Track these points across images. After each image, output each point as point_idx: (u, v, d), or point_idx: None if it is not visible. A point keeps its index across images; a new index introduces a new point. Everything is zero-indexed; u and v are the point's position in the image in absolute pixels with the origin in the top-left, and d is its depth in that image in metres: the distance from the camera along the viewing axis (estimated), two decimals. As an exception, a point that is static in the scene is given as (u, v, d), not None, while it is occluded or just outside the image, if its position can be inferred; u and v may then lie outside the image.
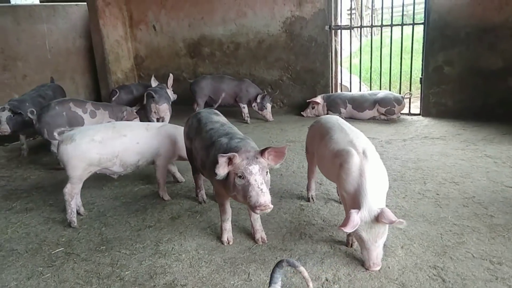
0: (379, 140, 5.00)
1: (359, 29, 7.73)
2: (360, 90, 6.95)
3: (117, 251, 2.88)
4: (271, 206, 2.35)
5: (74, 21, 8.17)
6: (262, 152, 2.44)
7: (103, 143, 3.33)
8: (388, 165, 4.12)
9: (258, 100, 6.09)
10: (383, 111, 5.93)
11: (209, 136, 2.81)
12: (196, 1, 7.30)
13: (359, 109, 6.08)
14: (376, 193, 2.38)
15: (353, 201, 2.41)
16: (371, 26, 6.88)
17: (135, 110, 5.08)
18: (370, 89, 6.80)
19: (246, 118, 6.26)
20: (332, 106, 6.23)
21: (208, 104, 6.41)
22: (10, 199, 3.96)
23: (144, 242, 2.98)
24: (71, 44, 8.16)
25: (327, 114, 6.25)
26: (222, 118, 3.12)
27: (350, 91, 6.84)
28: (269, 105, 6.16)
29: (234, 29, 7.10)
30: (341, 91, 6.82)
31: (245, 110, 6.24)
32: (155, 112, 5.32)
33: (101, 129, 3.49)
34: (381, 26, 6.58)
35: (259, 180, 2.36)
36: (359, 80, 7.31)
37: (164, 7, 7.67)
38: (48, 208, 3.69)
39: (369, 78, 6.78)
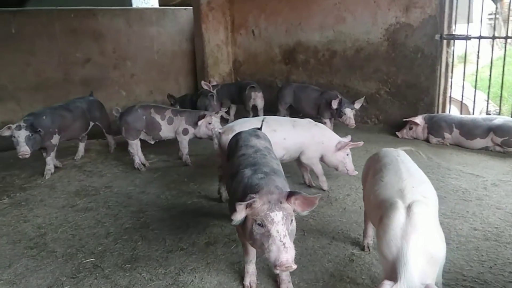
0: (483, 179, 4.06)
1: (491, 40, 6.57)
2: (487, 109, 5.92)
3: (138, 273, 2.74)
4: (294, 266, 1.93)
5: (182, 25, 8.54)
6: (288, 196, 2.02)
7: None
8: (484, 216, 3.29)
9: (334, 106, 5.42)
10: (499, 142, 4.85)
11: (237, 163, 2.48)
12: (295, 5, 6.99)
13: (468, 136, 5.09)
14: (422, 264, 1.78)
15: (390, 269, 1.85)
16: (492, 38, 5.72)
17: (214, 114, 4.88)
18: (500, 110, 5.72)
19: None
20: (434, 129, 5.34)
21: (295, 113, 6.08)
22: (79, 195, 4.18)
23: (168, 268, 2.79)
24: (177, 46, 8.56)
25: (428, 137, 5.40)
26: (261, 142, 2.74)
27: (473, 110, 5.80)
28: (348, 110, 5.33)
29: (331, 36, 6.60)
30: (453, 111, 5.85)
31: (327, 125, 5.52)
32: (253, 99, 6.24)
33: (254, 122, 3.63)
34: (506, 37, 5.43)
35: (281, 232, 1.94)
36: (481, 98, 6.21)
37: (264, 11, 7.53)
38: (104, 211, 3.78)
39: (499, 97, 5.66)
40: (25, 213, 3.80)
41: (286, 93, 6.12)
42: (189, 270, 2.74)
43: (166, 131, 4.89)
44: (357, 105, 5.42)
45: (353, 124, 5.35)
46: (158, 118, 4.82)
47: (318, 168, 3.90)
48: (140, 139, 4.91)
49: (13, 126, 4.19)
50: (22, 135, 4.18)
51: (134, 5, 9.91)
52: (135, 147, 4.83)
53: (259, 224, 1.98)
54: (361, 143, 3.82)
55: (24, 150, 4.16)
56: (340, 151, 3.80)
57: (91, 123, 5.27)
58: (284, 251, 1.90)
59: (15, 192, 4.36)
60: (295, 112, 6.16)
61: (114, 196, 4.10)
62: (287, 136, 3.76)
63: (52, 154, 4.68)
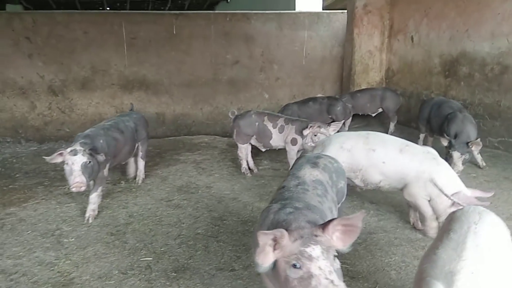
0: None
1: None
2: None
3: (177, 285, 2.65)
4: None
5: (336, 29, 8.22)
6: (324, 227, 1.62)
7: (352, 152, 3.24)
8: None
9: (444, 143, 4.22)
10: None
11: (276, 195, 2.11)
12: (463, 9, 5.89)
13: None
14: None
15: None
16: None
17: (322, 125, 4.49)
18: None
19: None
20: None
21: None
22: (180, 191, 4.37)
23: (207, 287, 2.62)
24: (328, 51, 8.29)
25: None
26: (314, 173, 2.27)
27: None
28: (457, 155, 4.13)
29: (505, 47, 5.31)
30: None
31: (459, 163, 4.24)
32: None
33: (353, 137, 3.41)
34: None
35: (325, 268, 1.54)
36: None
37: (427, 15, 6.60)
38: (190, 211, 3.84)
39: None
40: (129, 199, 4.16)
41: (423, 108, 5.28)
42: (224, 298, 2.52)
43: (276, 140, 4.73)
44: (475, 149, 4.27)
45: (458, 171, 4.09)
46: (270, 126, 4.70)
47: (425, 210, 3.12)
48: (253, 145, 4.90)
49: (67, 151, 3.36)
50: (77, 162, 3.34)
51: (297, 9, 10.03)
52: (244, 151, 4.81)
53: (294, 266, 1.57)
54: (491, 193, 2.88)
55: (80, 180, 3.31)
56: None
57: (137, 145, 4.51)
58: None
59: (133, 178, 4.85)
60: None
61: (208, 198, 4.15)
62: (387, 160, 3.15)
63: (100, 189, 3.78)
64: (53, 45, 6.63)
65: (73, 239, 3.32)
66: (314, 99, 6.34)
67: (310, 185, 2.14)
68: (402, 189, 3.21)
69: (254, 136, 4.77)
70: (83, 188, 3.34)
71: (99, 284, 2.70)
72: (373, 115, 6.99)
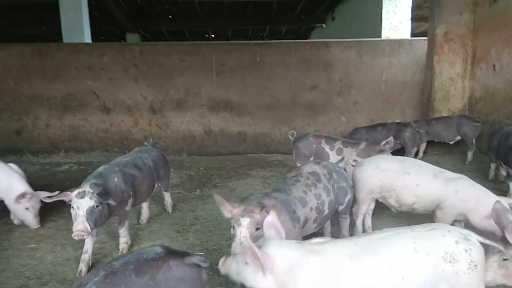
0: None
1: None
2: None
3: None
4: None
5: (418, 56, 8.25)
6: (261, 209, 2.48)
7: (386, 172, 3.60)
8: None
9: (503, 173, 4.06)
10: None
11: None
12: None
13: None
14: None
15: None
16: None
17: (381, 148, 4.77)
18: None
19: None
20: None
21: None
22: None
23: None
24: (409, 77, 8.33)
25: None
26: (311, 167, 3.08)
27: None
28: None
29: None
30: None
31: None
32: None
33: (389, 159, 3.77)
34: None
35: (244, 233, 2.43)
36: None
37: (508, 44, 6.40)
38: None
39: None
40: (198, 205, 4.89)
41: (493, 137, 5.20)
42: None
43: (334, 161, 5.09)
44: None
45: None
46: (327, 148, 5.09)
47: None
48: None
49: (74, 193, 3.07)
50: (83, 206, 3.03)
51: (383, 36, 10.21)
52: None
53: (233, 227, 2.54)
54: None
55: (81, 228, 2.99)
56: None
57: (157, 185, 4.30)
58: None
59: (209, 186, 5.59)
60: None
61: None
62: (421, 182, 3.42)
63: (127, 223, 3.70)
64: (155, 71, 7.84)
65: (146, 233, 4.09)
66: (383, 124, 6.53)
67: (304, 176, 2.72)
68: (433, 212, 3.40)
69: (312, 157, 5.19)
70: (85, 237, 3.06)
71: None
72: (451, 143, 6.89)
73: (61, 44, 8.48)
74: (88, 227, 3.03)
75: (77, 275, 3.27)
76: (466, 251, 2.04)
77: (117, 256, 2.37)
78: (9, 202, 4.14)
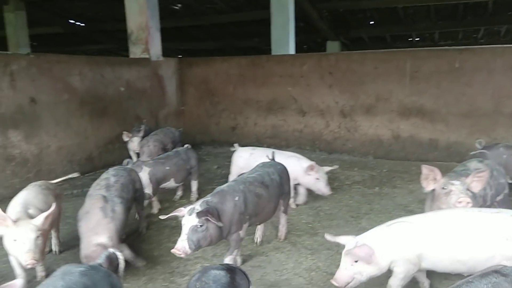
0: None
1: None
2: None
3: None
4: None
5: None
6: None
7: None
8: None
9: None
10: None
11: None
12: None
13: None
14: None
15: None
16: None
17: None
18: None
19: None
20: None
21: None
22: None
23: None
24: None
25: None
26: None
27: None
28: None
29: None
30: None
31: None
32: None
33: None
34: None
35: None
36: None
37: None
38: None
39: None
40: (375, 200, 5.46)
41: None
42: None
43: (526, 176, 4.89)
44: None
45: None
46: (519, 158, 4.93)
47: None
48: None
49: (187, 209, 3.16)
50: (187, 224, 3.05)
51: None
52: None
53: None
54: None
55: (179, 247, 3.02)
56: None
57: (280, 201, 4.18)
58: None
59: (389, 186, 6.05)
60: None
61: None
62: None
63: (236, 252, 3.53)
64: (348, 78, 8.62)
65: (324, 215, 4.92)
66: None
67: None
68: None
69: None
70: (182, 256, 3.06)
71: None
72: None
73: (270, 56, 10.17)
74: (187, 247, 3.01)
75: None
76: None
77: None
78: (304, 180, 5.20)
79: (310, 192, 5.82)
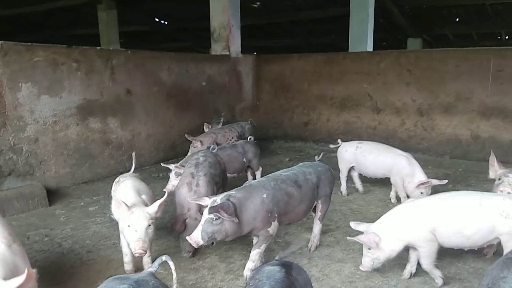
0: None
1: None
2: None
3: None
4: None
5: None
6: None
7: None
8: None
9: None
10: None
11: None
12: None
13: None
14: None
15: None
16: None
17: None
18: None
19: None
20: None
21: None
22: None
23: None
24: None
25: None
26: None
27: None
28: None
29: None
30: None
31: None
32: None
33: None
34: None
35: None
36: None
37: None
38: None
39: None
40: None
41: None
42: None
43: None
44: None
45: None
46: None
47: None
48: None
49: (211, 200, 3.28)
50: (205, 214, 3.16)
51: None
52: None
53: None
54: None
55: (193, 236, 3.13)
56: None
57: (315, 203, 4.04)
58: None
59: (463, 185, 6.08)
60: None
61: None
62: None
63: (264, 246, 3.48)
64: (428, 76, 8.60)
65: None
66: None
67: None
68: None
69: None
70: (194, 245, 3.16)
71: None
72: None
73: (346, 53, 10.39)
74: (199, 238, 3.09)
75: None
76: None
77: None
78: (408, 186, 5.07)
79: (379, 184, 6.07)
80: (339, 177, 5.93)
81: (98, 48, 7.31)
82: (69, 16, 17.06)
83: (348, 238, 3.57)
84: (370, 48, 11.53)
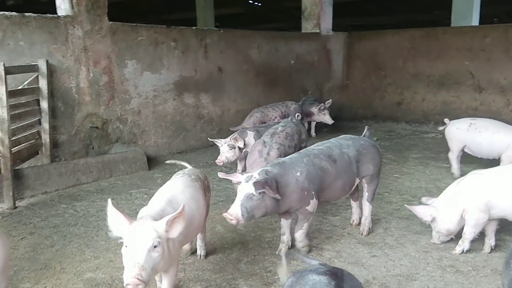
0: None
1: None
2: None
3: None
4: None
5: None
6: None
7: None
8: None
9: None
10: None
11: None
12: None
13: None
14: None
15: None
16: None
17: None
18: None
19: None
20: None
21: None
22: None
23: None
24: None
25: None
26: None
27: None
28: None
29: None
30: None
31: None
32: None
33: None
34: None
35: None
36: None
37: None
38: None
39: None
40: None
41: None
42: None
43: None
44: None
45: None
46: None
47: None
48: None
49: (244, 176, 3.19)
50: (243, 190, 3.06)
51: None
52: None
53: None
54: None
55: (232, 212, 3.03)
56: None
57: (357, 182, 3.84)
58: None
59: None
60: None
61: None
62: None
63: (306, 226, 3.46)
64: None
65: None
66: None
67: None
68: None
69: None
70: (233, 222, 3.02)
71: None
72: None
73: (447, 28, 9.93)
74: (239, 214, 3.00)
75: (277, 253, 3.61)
76: None
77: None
78: None
79: (474, 165, 5.89)
80: (449, 158, 5.81)
81: (193, 28, 7.96)
82: (168, 1, 18.28)
83: (405, 205, 3.82)
84: (476, 23, 10.82)
